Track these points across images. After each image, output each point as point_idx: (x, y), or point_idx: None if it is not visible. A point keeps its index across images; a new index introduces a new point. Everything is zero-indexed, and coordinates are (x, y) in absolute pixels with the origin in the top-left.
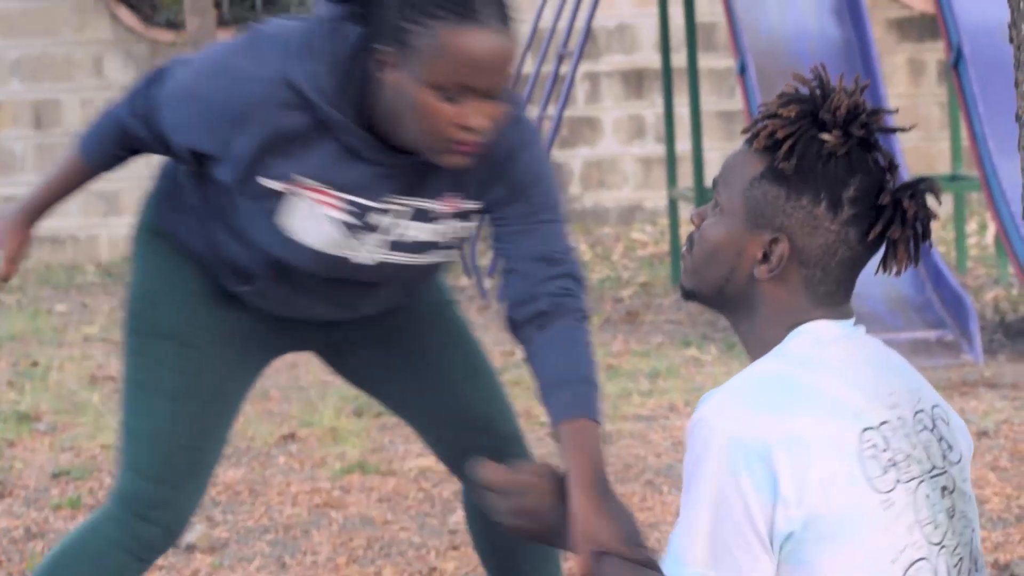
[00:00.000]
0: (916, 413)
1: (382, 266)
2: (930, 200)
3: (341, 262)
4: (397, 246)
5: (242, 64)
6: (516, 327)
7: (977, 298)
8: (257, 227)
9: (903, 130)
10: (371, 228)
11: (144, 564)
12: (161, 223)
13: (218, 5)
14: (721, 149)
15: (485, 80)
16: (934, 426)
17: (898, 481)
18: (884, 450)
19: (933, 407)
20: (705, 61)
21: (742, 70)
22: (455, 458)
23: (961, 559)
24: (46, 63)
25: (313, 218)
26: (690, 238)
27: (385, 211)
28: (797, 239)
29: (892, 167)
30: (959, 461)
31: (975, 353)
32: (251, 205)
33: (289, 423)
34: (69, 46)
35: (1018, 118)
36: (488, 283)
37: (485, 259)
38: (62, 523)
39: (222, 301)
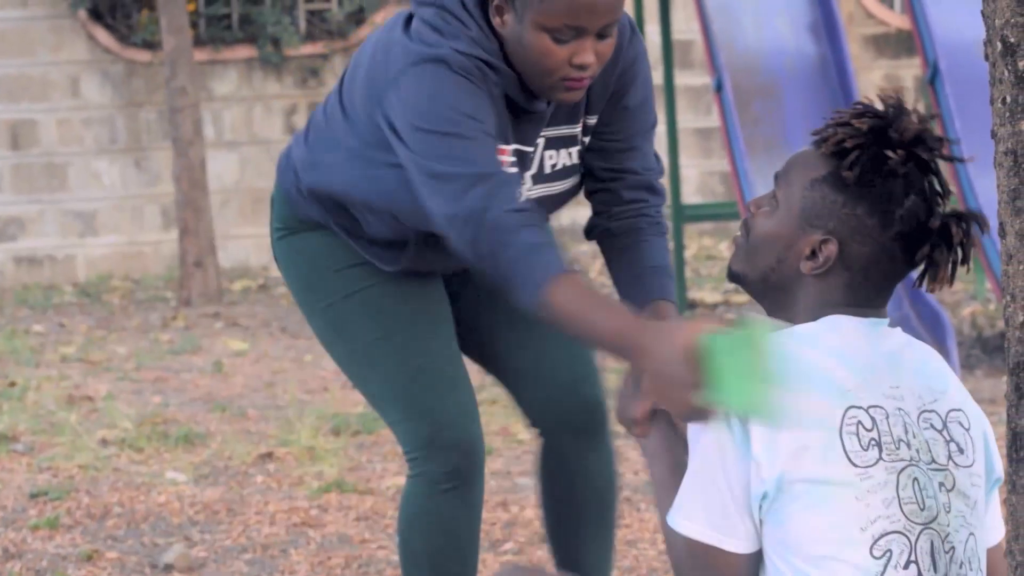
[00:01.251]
0: (923, 412)
1: (534, 203)
2: (974, 229)
3: None
4: (541, 178)
5: (443, 72)
6: (607, 234)
7: (954, 314)
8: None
9: (962, 160)
10: (525, 168)
11: (465, 490)
12: (292, 212)
13: (194, 25)
14: (698, 166)
15: (594, 21)
16: (944, 427)
17: (880, 459)
18: (869, 429)
19: (950, 411)
20: (682, 78)
21: (719, 87)
22: (538, 414)
23: (953, 549)
24: (23, 83)
25: None
26: (745, 224)
27: (536, 149)
28: (846, 244)
29: (945, 193)
30: (970, 465)
31: (952, 368)
32: None
33: (266, 442)
34: (46, 67)
35: (994, 134)
36: None
37: None
38: (40, 543)
39: (365, 263)
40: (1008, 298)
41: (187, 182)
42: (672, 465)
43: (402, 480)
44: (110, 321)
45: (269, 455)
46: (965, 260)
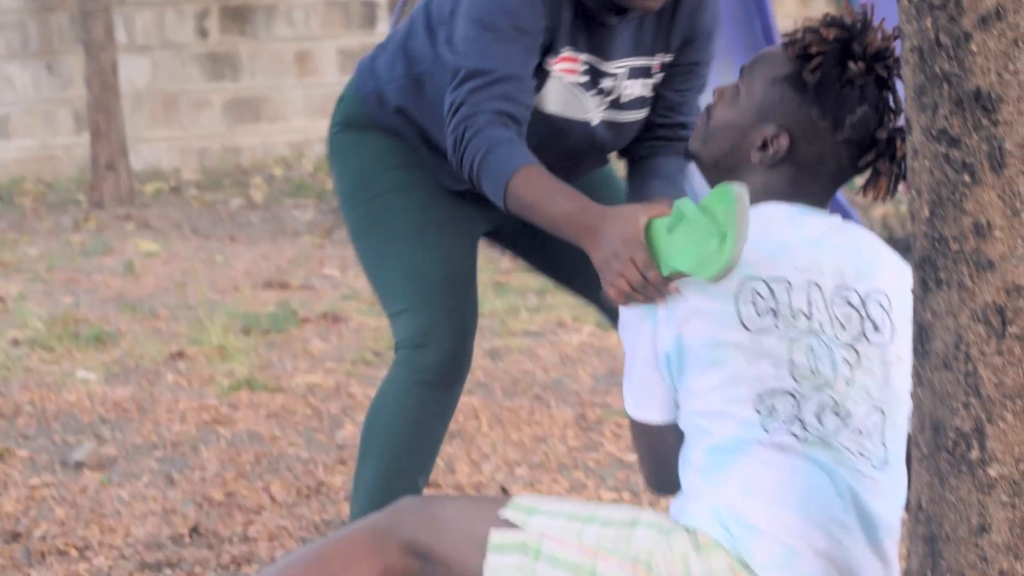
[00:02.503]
0: (840, 287)
1: (603, 126)
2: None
3: (570, 126)
4: (618, 105)
5: None
6: (634, 158)
7: (866, 215)
8: None
9: None
10: (600, 90)
11: (443, 390)
12: (365, 115)
13: None
14: None
15: None
16: (863, 305)
17: (776, 326)
18: (765, 298)
19: (873, 291)
20: None
21: None
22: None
23: (850, 415)
24: None
25: (557, 86)
26: (708, 108)
27: (612, 73)
28: (797, 140)
29: (897, 110)
30: (884, 344)
31: None
32: None
33: (177, 341)
34: None
35: (900, 32)
36: None
37: None
38: None
39: (426, 171)
40: (914, 193)
41: (99, 86)
42: None
43: (313, 377)
44: (22, 223)
45: (180, 354)
46: (904, 176)
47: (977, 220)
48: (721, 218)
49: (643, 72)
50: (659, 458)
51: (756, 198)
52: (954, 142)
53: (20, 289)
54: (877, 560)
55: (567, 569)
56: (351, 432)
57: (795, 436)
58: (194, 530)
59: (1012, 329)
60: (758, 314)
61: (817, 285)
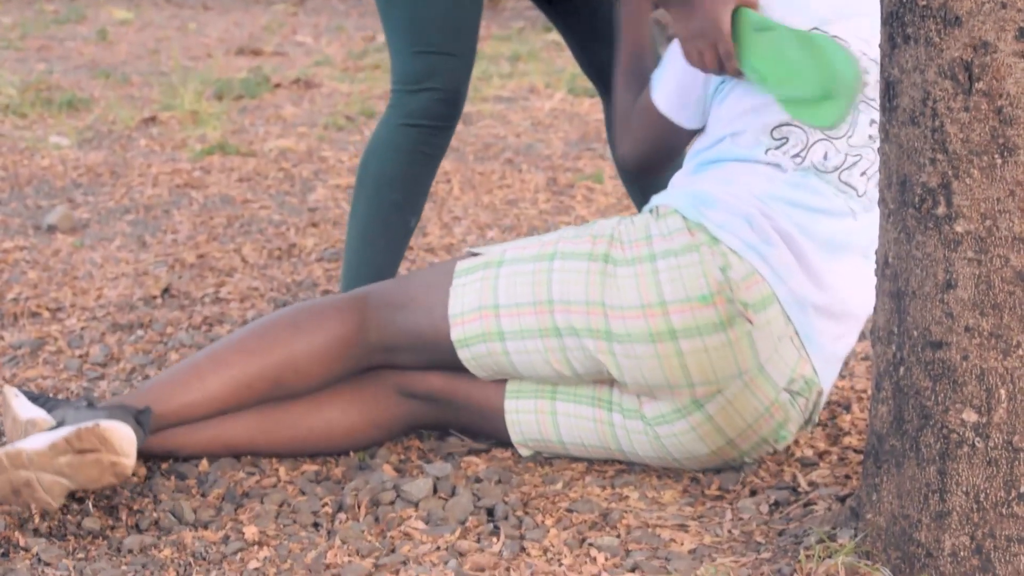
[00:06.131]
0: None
1: None
2: None
3: None
4: None
5: None
6: None
7: None
8: None
9: None
10: None
11: (431, 133)
12: None
13: None
14: None
15: None
16: None
17: None
18: None
19: None
20: None
21: None
22: (599, 74)
23: (857, 161)
24: None
25: None
26: None
27: None
28: None
29: None
30: None
31: None
32: None
33: (150, 107)
34: None
35: None
36: None
37: None
38: None
39: None
40: None
41: None
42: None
43: (285, 142)
44: None
45: (152, 119)
46: None
47: None
48: (840, 78)
49: None
50: (661, 144)
51: None
52: None
53: None
54: (809, 280)
55: (528, 261)
56: (322, 195)
57: (793, 161)
58: (166, 291)
59: (979, 85)
60: None
61: (873, 61)
